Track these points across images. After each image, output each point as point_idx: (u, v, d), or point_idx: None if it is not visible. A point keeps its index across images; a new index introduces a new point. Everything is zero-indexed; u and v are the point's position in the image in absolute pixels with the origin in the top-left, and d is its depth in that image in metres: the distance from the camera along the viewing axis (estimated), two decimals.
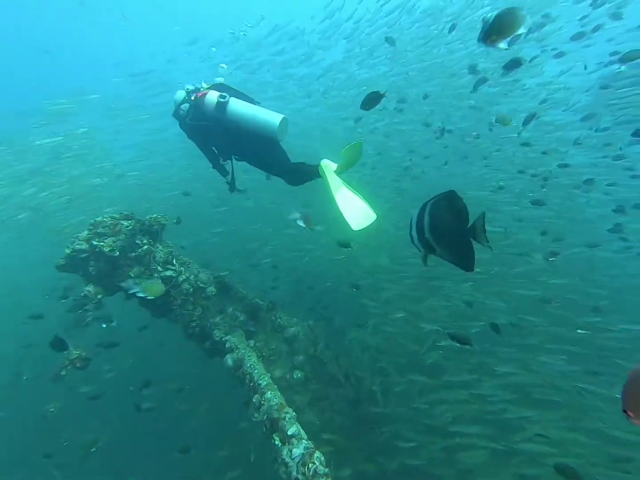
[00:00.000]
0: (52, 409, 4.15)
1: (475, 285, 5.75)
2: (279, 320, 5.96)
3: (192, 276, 5.67)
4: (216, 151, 4.00)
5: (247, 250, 8.81)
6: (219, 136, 3.77)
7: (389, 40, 8.23)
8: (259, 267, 7.89)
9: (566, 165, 7.92)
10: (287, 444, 3.43)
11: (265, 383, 4.37)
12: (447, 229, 1.50)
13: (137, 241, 4.92)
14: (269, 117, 3.59)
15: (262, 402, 4.10)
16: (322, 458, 3.22)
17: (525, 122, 5.70)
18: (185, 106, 3.86)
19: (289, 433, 3.47)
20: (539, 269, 6.10)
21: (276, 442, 3.56)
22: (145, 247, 4.94)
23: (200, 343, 5.77)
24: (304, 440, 3.38)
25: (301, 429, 3.54)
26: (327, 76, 14.15)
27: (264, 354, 5.58)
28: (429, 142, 10.30)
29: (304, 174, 3.69)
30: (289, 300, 6.95)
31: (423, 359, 4.95)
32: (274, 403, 3.94)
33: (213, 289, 5.86)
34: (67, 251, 4.45)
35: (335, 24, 14.65)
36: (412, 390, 4.77)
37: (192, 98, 3.79)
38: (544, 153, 7.88)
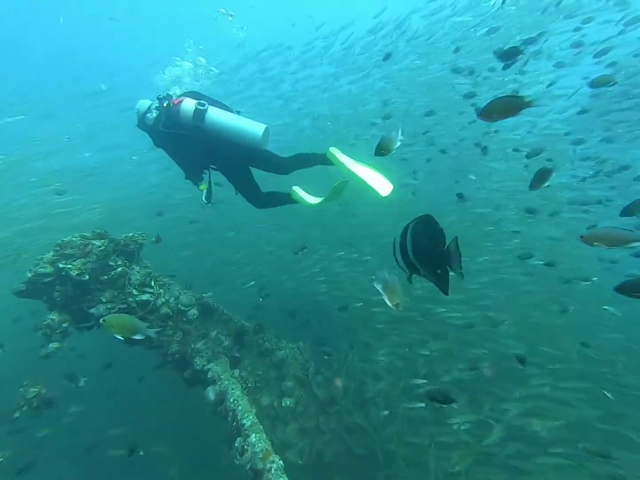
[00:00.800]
0: (1, 459, 3.61)
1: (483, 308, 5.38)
2: (266, 343, 5.57)
3: (173, 299, 5.22)
4: (192, 160, 3.70)
5: (229, 270, 8.36)
6: (196, 145, 3.50)
7: (387, 57, 8.05)
8: (243, 288, 7.43)
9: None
10: None
11: (249, 423, 3.92)
12: (428, 251, 1.53)
13: (110, 262, 4.47)
14: (251, 126, 3.46)
15: (246, 446, 3.65)
16: None
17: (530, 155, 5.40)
18: (153, 114, 3.62)
19: None
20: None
21: None
22: (120, 269, 4.49)
23: (180, 372, 5.29)
24: None
25: None
26: (325, 90, 13.94)
27: (249, 385, 5.14)
28: (422, 154, 10.09)
29: (274, 199, 3.76)
30: (277, 322, 6.52)
31: (422, 393, 4.51)
32: (258, 449, 3.50)
33: (195, 312, 5.42)
34: (29, 275, 3.98)
35: (328, 46, 14.46)
36: (413, 427, 4.33)
37: (165, 105, 3.49)
38: (548, 160, 7.69)
